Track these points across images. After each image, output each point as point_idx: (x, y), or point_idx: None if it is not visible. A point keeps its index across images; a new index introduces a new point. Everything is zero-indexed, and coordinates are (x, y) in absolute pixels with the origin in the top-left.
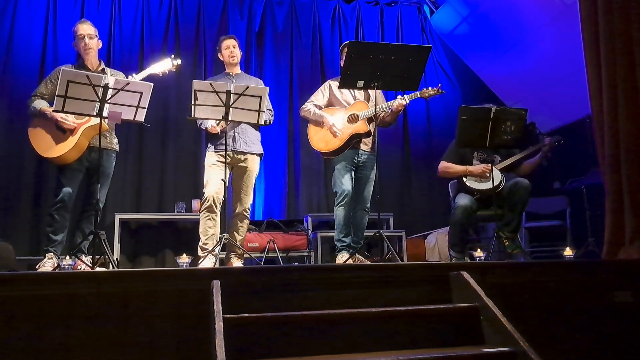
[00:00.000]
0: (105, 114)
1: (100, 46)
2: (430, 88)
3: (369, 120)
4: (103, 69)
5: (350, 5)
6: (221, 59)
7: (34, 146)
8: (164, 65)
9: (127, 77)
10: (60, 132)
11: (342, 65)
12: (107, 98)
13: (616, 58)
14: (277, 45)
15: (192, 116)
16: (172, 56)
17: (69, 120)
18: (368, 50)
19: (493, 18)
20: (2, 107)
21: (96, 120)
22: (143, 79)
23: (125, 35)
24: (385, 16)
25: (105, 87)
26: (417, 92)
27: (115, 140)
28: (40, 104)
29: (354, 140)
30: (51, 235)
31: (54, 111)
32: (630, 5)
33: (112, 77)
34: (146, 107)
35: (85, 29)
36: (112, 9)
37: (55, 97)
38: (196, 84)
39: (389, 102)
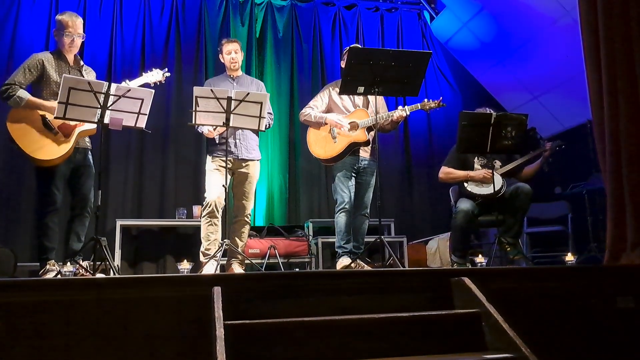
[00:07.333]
0: (106, 120)
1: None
2: (431, 100)
3: (369, 129)
4: (82, 65)
5: (351, 11)
6: (222, 60)
7: (20, 144)
8: (155, 76)
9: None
10: (47, 131)
11: (342, 67)
12: (108, 105)
13: (616, 61)
14: (277, 51)
15: (193, 122)
16: (166, 69)
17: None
18: (368, 56)
19: (493, 24)
20: (4, 112)
21: (90, 125)
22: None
23: (127, 42)
24: (385, 22)
25: (107, 94)
26: (418, 105)
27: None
28: (27, 95)
29: (352, 149)
30: (47, 244)
31: (55, 117)
32: (630, 8)
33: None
34: (147, 113)
35: (78, 26)
36: (114, 15)
37: (57, 104)
38: (197, 91)
39: (389, 112)
